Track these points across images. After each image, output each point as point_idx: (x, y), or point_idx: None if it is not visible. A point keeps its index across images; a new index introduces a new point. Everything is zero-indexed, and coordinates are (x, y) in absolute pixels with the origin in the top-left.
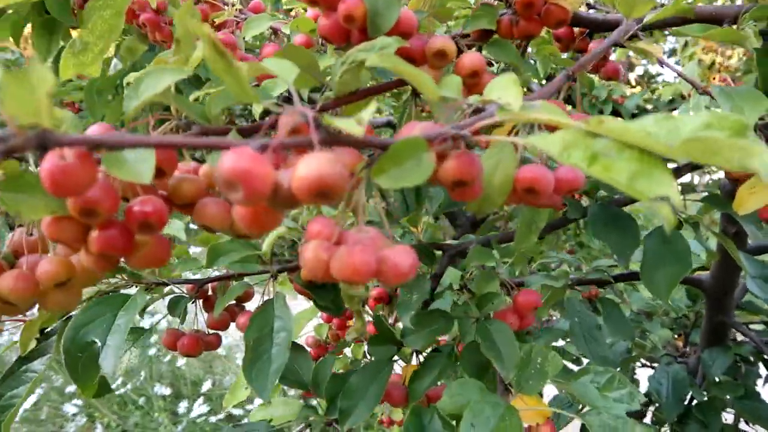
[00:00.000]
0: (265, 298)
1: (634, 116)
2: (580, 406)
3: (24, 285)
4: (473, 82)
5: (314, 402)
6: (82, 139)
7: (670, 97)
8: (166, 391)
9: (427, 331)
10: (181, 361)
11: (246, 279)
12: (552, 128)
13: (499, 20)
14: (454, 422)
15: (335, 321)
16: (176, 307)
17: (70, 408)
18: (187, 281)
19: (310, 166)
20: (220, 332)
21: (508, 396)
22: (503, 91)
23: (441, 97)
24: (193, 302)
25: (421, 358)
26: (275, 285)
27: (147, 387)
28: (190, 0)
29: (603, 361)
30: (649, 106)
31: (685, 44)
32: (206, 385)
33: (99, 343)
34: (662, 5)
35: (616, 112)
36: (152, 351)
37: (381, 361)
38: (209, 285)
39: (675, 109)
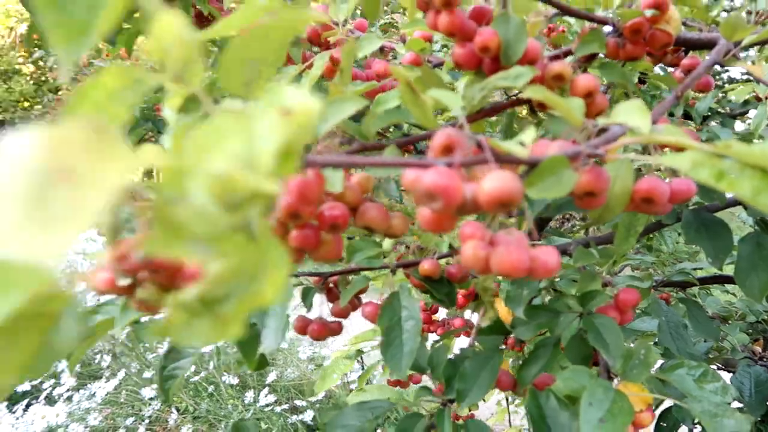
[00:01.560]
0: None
1: (705, 119)
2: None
3: None
4: (588, 102)
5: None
6: (337, 160)
7: (744, 99)
8: (234, 380)
9: (534, 323)
10: None
11: (364, 273)
12: (673, 147)
13: (606, 43)
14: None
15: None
16: (307, 296)
17: (147, 392)
18: (313, 274)
19: (496, 182)
20: (341, 320)
21: (612, 383)
22: (631, 115)
23: (582, 122)
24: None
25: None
26: (393, 279)
27: (217, 376)
28: (352, 40)
29: (691, 357)
30: (721, 110)
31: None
32: (271, 377)
33: (259, 326)
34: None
35: (687, 115)
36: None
37: (491, 348)
38: (331, 278)
39: (747, 112)
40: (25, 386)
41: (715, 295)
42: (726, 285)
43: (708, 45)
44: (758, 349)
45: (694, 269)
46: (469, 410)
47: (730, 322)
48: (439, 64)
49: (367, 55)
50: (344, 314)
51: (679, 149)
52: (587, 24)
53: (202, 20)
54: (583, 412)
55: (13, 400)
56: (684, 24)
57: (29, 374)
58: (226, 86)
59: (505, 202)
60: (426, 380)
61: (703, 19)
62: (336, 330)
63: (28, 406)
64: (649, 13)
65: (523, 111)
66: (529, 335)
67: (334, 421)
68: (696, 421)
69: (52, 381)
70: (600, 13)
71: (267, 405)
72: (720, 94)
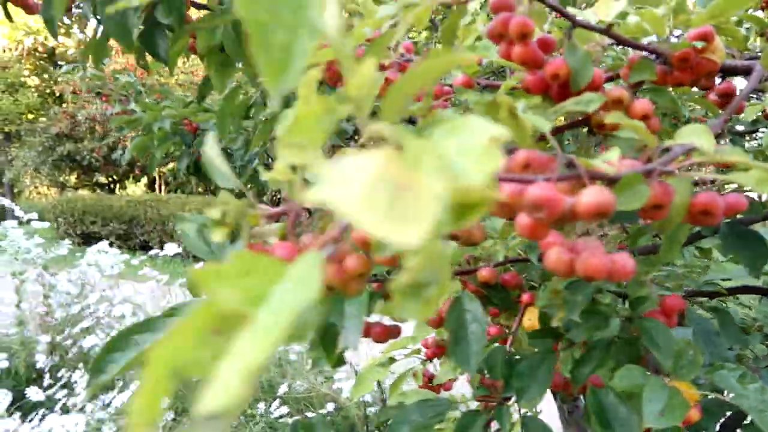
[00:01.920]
0: None
1: (717, 136)
2: (725, 393)
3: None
4: (648, 126)
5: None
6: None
7: (754, 118)
8: None
9: (586, 326)
10: None
11: None
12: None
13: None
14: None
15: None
16: (370, 301)
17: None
18: (375, 280)
19: (594, 196)
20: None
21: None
22: (696, 136)
23: (654, 142)
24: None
25: None
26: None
27: None
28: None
29: (725, 362)
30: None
31: None
32: (282, 389)
33: (338, 326)
34: None
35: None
36: None
37: (545, 350)
38: None
39: (757, 130)
40: (39, 396)
41: (732, 307)
42: (739, 297)
43: (744, 72)
44: None
45: (723, 280)
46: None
47: (749, 333)
48: (488, 86)
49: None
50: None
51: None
52: (634, 52)
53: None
54: (645, 406)
55: (24, 410)
56: None
57: None
58: (386, 115)
59: (602, 213)
60: (457, 387)
61: (741, 48)
62: (395, 333)
63: (43, 417)
64: (697, 44)
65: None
66: (583, 337)
67: (399, 418)
68: None
69: (65, 391)
70: (644, 41)
71: (280, 416)
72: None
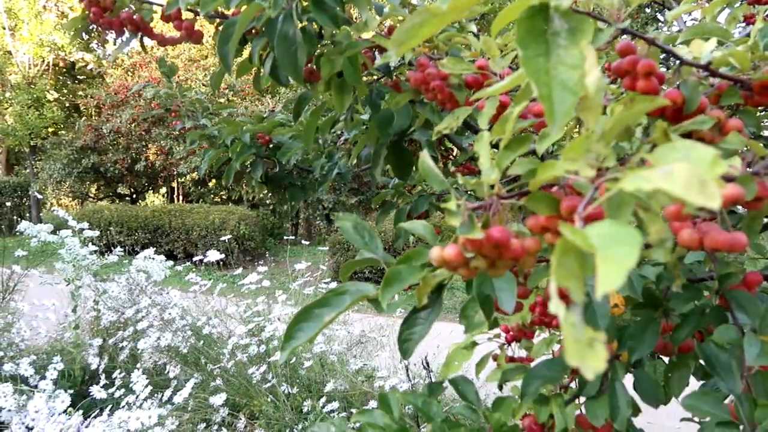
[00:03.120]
0: None
1: None
2: None
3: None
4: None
5: None
6: None
7: None
8: (293, 389)
9: (685, 297)
10: (305, 364)
11: None
12: None
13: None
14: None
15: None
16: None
17: (215, 400)
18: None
19: (733, 188)
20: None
21: None
22: None
23: (762, 151)
24: None
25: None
26: None
27: (277, 386)
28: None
29: None
30: None
31: None
32: (328, 386)
33: (493, 295)
34: None
35: None
36: (279, 355)
37: (648, 317)
38: None
39: None
40: (102, 394)
41: None
42: None
43: None
44: None
45: None
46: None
47: None
48: None
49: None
50: (527, 295)
51: None
52: (723, 81)
53: None
54: (746, 351)
55: (88, 408)
56: None
57: None
58: (608, 139)
59: (737, 201)
60: None
61: None
62: (521, 308)
63: (112, 411)
64: None
65: None
66: (682, 306)
67: (531, 374)
68: None
69: (123, 390)
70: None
71: (331, 411)
72: None
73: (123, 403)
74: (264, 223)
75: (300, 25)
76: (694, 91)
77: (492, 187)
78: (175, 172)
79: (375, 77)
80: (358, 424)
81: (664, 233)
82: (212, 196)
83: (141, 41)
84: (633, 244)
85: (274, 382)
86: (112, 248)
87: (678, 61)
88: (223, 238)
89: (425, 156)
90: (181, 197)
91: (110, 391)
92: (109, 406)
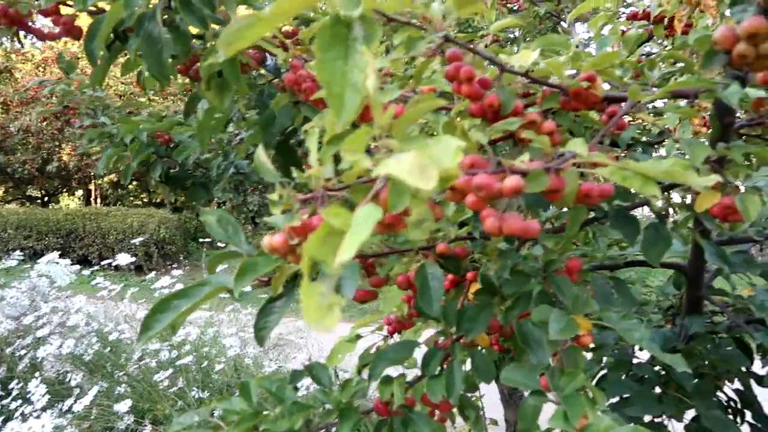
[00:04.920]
0: None
1: (629, 146)
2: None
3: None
4: (550, 137)
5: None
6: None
7: (659, 131)
8: (204, 394)
9: (514, 282)
10: (217, 368)
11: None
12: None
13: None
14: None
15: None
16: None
17: (120, 407)
18: (357, 255)
19: (513, 180)
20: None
21: None
22: (577, 146)
23: (551, 150)
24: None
25: None
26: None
27: (186, 390)
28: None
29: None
30: (643, 138)
31: None
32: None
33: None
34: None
35: (614, 143)
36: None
37: (485, 301)
38: (370, 259)
39: (663, 141)
40: None
41: (636, 287)
42: (645, 280)
43: (622, 99)
44: (669, 326)
45: (620, 256)
46: None
47: (646, 306)
48: (442, 108)
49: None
50: (381, 284)
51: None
52: (545, 87)
53: None
54: (550, 326)
55: None
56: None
57: None
58: (397, 135)
59: (517, 191)
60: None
61: (619, 83)
62: (375, 296)
63: (5, 421)
64: (584, 84)
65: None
66: (513, 291)
67: (379, 358)
68: None
69: (21, 401)
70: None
71: None
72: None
73: (17, 414)
74: (187, 226)
75: (176, 24)
76: (509, 95)
77: (321, 179)
78: (91, 174)
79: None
80: (220, 412)
81: (423, 215)
82: (132, 198)
83: (17, 35)
84: (368, 223)
85: (183, 386)
86: (10, 253)
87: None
88: (134, 241)
89: (260, 151)
90: (98, 200)
91: (5, 402)
92: (1, 418)
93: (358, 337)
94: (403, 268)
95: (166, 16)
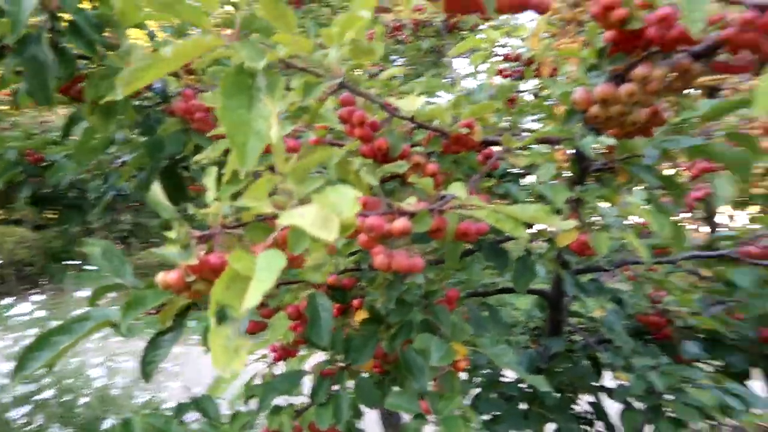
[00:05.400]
0: None
1: (502, 177)
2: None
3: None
4: (435, 179)
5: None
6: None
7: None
8: (67, 430)
9: (399, 312)
10: (81, 401)
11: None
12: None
13: (442, 144)
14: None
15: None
16: None
17: None
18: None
19: (401, 222)
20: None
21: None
22: (457, 189)
23: (434, 192)
24: None
25: None
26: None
27: (46, 428)
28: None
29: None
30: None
31: None
32: (107, 423)
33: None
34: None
35: (489, 175)
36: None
37: (371, 330)
38: None
39: (530, 173)
40: None
41: (506, 310)
42: (515, 303)
43: (497, 143)
44: (534, 346)
45: (492, 283)
46: None
47: (515, 327)
48: (333, 143)
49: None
50: (271, 315)
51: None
52: (430, 131)
53: None
54: (432, 353)
55: None
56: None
57: None
58: (295, 179)
59: (405, 233)
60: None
61: (496, 128)
62: (264, 327)
63: None
64: (464, 130)
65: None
66: (398, 319)
67: (269, 387)
68: None
69: None
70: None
71: None
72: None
73: None
74: (49, 246)
75: (61, 46)
76: (398, 139)
77: (218, 217)
78: None
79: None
80: None
81: (321, 260)
82: None
83: None
84: (272, 271)
85: (42, 423)
86: None
87: (388, 114)
88: None
89: (155, 188)
90: None
91: None
92: None
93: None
94: (292, 298)
95: (50, 35)
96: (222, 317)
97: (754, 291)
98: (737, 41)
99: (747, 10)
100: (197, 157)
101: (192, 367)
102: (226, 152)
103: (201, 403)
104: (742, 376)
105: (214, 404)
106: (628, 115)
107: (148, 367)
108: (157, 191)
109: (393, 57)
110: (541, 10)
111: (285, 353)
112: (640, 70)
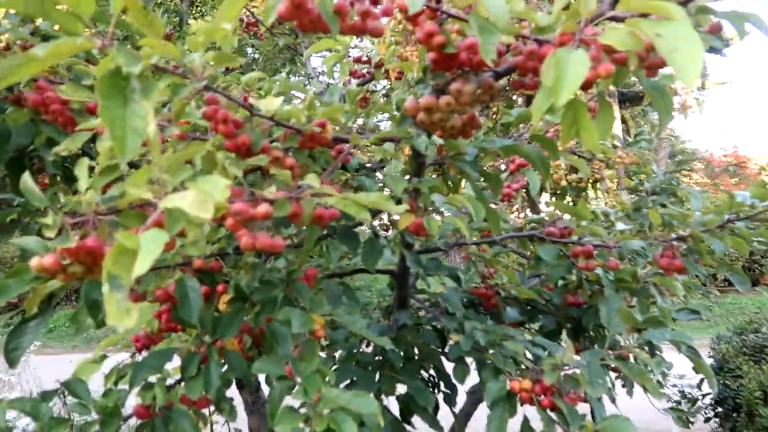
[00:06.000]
0: None
1: (357, 171)
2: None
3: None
4: (293, 171)
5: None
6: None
7: (381, 158)
8: None
9: (263, 290)
10: None
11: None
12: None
13: (298, 141)
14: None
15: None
16: None
17: None
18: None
19: (263, 208)
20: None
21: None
22: (312, 180)
23: (292, 182)
24: None
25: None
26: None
27: None
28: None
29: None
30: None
31: None
32: None
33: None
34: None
35: (345, 169)
36: None
37: (238, 307)
38: None
39: (384, 167)
40: None
41: (362, 292)
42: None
43: (347, 141)
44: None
45: (347, 265)
46: None
47: (369, 307)
48: (196, 139)
49: None
50: (138, 300)
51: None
52: (287, 129)
53: None
54: (293, 322)
55: None
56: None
57: None
58: (171, 171)
59: (268, 217)
60: None
61: (344, 127)
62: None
63: None
64: (318, 129)
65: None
66: (262, 297)
67: (139, 366)
68: None
69: None
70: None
71: None
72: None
73: None
74: None
75: None
76: (258, 135)
77: (91, 204)
78: None
79: None
80: None
81: (197, 237)
82: None
83: None
84: (159, 242)
85: None
86: None
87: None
88: None
89: (26, 177)
90: None
91: None
92: None
93: (104, 357)
94: (156, 286)
95: None
96: (112, 285)
97: (554, 263)
98: (525, 66)
99: (532, 43)
100: (57, 149)
101: (34, 375)
102: (91, 142)
103: (71, 385)
104: (554, 335)
105: (85, 387)
106: (446, 121)
107: (12, 354)
108: (28, 180)
109: (249, 51)
110: (376, 34)
111: (149, 341)
112: (454, 86)
